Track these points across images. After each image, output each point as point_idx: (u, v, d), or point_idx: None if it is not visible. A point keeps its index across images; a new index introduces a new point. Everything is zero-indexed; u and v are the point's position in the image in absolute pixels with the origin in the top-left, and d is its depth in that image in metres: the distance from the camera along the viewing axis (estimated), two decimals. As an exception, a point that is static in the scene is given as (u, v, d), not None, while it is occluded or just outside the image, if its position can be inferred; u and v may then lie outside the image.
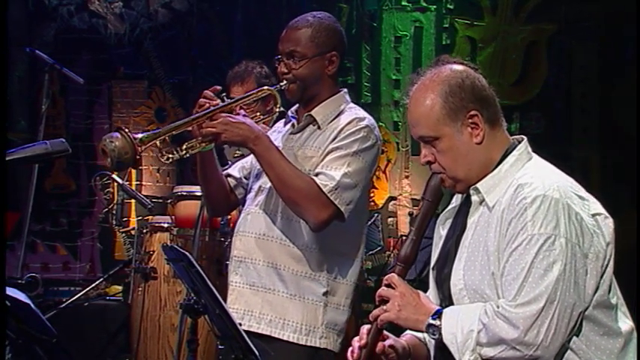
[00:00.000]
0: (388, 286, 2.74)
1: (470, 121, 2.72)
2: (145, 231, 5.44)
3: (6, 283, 2.92)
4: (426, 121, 2.73)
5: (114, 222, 7.16)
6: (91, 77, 7.25)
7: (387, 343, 2.83)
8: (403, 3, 7.17)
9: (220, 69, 7.06)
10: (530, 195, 2.60)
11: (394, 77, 7.17)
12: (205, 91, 3.64)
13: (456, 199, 2.91)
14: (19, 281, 5.67)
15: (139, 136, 3.47)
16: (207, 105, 3.58)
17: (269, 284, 3.65)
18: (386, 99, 7.17)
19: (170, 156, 3.56)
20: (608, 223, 2.68)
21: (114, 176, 6.03)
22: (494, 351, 2.56)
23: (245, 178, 3.88)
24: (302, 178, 3.56)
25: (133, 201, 6.90)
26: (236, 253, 3.75)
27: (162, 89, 7.55)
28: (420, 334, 2.90)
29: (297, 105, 3.80)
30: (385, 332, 2.81)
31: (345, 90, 3.81)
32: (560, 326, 2.53)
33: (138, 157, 3.46)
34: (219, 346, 4.82)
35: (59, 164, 7.44)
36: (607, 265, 2.65)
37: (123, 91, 7.59)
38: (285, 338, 3.60)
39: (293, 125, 3.79)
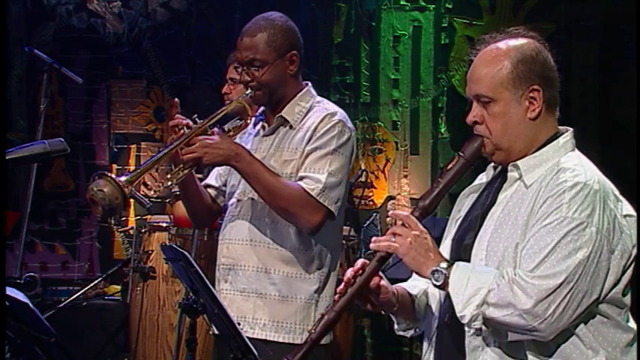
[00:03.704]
0: (403, 225, 2.71)
1: (531, 94, 2.73)
2: (143, 230, 5.43)
3: (5, 282, 2.91)
4: (490, 81, 2.73)
5: (112, 221, 7.14)
6: (90, 77, 7.25)
7: (382, 282, 2.82)
8: (402, 2, 7.15)
9: (219, 69, 7.05)
10: (571, 180, 2.63)
11: (393, 77, 7.15)
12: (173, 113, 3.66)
13: (486, 176, 2.89)
14: (18, 281, 5.68)
15: (124, 178, 3.50)
16: (181, 124, 3.59)
17: (260, 289, 3.66)
18: (385, 98, 7.15)
19: (157, 189, 3.60)
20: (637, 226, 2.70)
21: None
22: (499, 313, 2.57)
23: (224, 185, 3.90)
24: (289, 187, 3.58)
25: (131, 200, 6.89)
26: (224, 260, 3.76)
27: (160, 89, 7.53)
28: (412, 290, 2.90)
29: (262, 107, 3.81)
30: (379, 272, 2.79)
31: (309, 83, 3.81)
32: (568, 307, 2.55)
33: (127, 198, 3.48)
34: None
35: (58, 164, 7.41)
36: (629, 266, 2.67)
37: (121, 90, 7.56)
38: (280, 340, 3.62)
39: (263, 127, 3.80)
